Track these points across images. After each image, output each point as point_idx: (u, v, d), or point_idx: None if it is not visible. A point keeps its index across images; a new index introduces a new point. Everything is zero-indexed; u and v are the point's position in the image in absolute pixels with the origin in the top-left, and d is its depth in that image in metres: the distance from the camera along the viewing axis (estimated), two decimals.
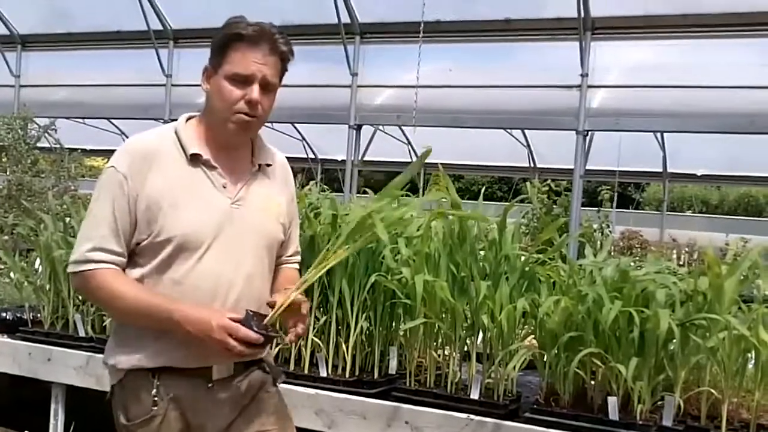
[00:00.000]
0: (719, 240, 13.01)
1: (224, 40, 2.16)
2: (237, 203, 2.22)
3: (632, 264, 3.31)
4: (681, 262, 12.46)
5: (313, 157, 15.32)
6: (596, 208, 9.68)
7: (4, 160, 8.50)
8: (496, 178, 25.92)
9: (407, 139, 12.84)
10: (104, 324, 4.02)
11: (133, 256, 2.18)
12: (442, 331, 3.33)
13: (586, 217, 9.30)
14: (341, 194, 9.84)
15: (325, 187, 4.19)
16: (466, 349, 3.34)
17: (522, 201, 6.51)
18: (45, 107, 10.80)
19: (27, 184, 7.94)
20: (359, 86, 10.10)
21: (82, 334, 4.03)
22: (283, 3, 10.07)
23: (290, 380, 3.35)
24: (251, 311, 2.10)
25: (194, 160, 2.19)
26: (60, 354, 3.95)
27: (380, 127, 11.52)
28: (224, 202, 2.20)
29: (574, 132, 9.01)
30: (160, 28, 10.96)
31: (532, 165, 14.20)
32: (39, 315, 4.27)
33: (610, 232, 8.94)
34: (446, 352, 3.36)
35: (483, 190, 3.83)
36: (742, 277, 3.00)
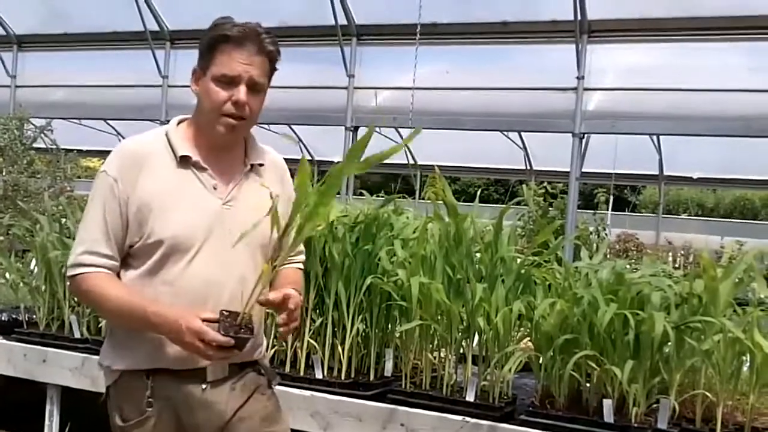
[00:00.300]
0: (715, 243, 13.04)
1: (210, 42, 2.16)
2: (228, 204, 2.21)
3: (628, 267, 3.31)
4: (676, 265, 12.48)
5: (309, 158, 15.33)
6: (592, 211, 9.71)
7: (0, 160, 8.49)
8: (492, 180, 25.94)
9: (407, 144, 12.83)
10: (99, 325, 4.01)
11: (127, 259, 2.19)
12: (438, 334, 3.33)
13: (582, 219, 9.31)
14: (338, 196, 9.83)
15: None
16: (461, 351, 3.34)
17: (518, 203, 6.51)
18: (41, 108, 10.78)
19: (23, 184, 7.93)
20: (356, 88, 10.11)
21: (77, 335, 4.02)
22: (280, 4, 10.08)
23: (286, 382, 3.35)
24: (226, 312, 2.06)
25: (184, 162, 2.19)
26: (55, 355, 3.95)
27: (376, 129, 11.51)
28: (215, 203, 2.19)
29: (570, 134, 9.02)
30: (157, 29, 10.96)
31: (528, 167, 14.21)
32: (34, 316, 4.26)
33: (606, 234, 8.95)
34: (442, 355, 3.37)
35: (479, 193, 3.84)
36: (737, 280, 3.01)
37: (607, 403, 2.91)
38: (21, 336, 4.15)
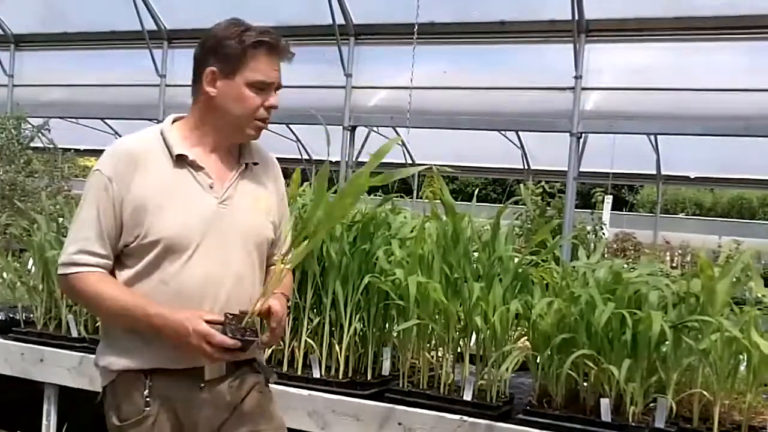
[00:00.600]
0: (712, 242, 13.07)
1: (242, 49, 2.15)
2: (224, 203, 2.22)
3: (625, 266, 3.32)
4: (674, 265, 12.50)
5: (307, 158, 15.32)
6: (590, 210, 9.70)
7: None
8: (490, 179, 25.95)
9: (401, 140, 12.84)
10: (97, 324, 4.01)
11: (121, 258, 2.18)
12: (436, 333, 3.34)
13: (580, 219, 9.31)
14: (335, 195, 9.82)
15: None
16: (459, 350, 3.34)
17: (516, 203, 6.51)
18: (38, 107, 10.76)
19: (20, 184, 7.93)
20: (353, 87, 10.10)
21: (74, 334, 4.02)
22: (277, 3, 10.07)
23: (283, 381, 3.35)
24: (230, 314, 2.09)
25: (180, 161, 2.19)
26: (52, 354, 3.94)
27: (374, 129, 11.52)
28: (211, 202, 2.20)
29: (568, 134, 9.02)
30: (155, 28, 10.94)
31: (526, 167, 14.21)
32: (32, 315, 4.26)
33: (603, 234, 8.95)
34: (439, 354, 3.37)
35: (477, 192, 3.84)
36: (734, 280, 3.01)
37: (605, 402, 2.91)
38: (18, 335, 4.15)
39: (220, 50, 2.17)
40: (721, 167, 13.75)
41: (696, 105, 9.07)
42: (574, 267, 3.34)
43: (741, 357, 2.95)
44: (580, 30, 8.76)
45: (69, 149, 9.81)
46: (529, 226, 8.18)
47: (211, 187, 2.21)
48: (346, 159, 10.27)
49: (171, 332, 2.07)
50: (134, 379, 2.17)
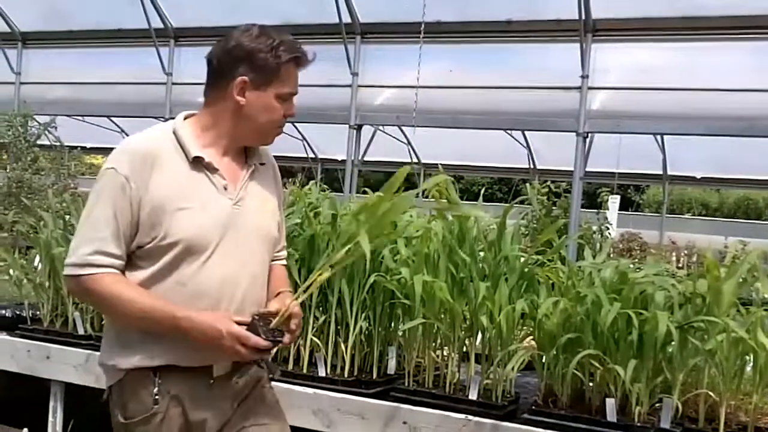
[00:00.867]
0: (718, 243, 13.03)
1: (277, 64, 2.19)
2: (238, 204, 2.24)
3: (631, 266, 3.31)
4: (680, 265, 12.48)
5: (313, 156, 15.33)
6: (596, 210, 9.69)
7: (4, 157, 8.52)
8: (495, 179, 25.92)
9: (407, 139, 12.85)
10: (103, 322, 4.01)
11: (133, 259, 2.17)
12: (441, 332, 3.34)
13: (586, 219, 9.30)
14: (341, 194, 9.85)
15: (325, 186, 4.19)
16: (464, 349, 3.34)
17: (522, 202, 6.50)
18: (45, 105, 10.82)
19: (27, 181, 7.96)
20: (360, 86, 10.11)
21: (81, 331, 4.03)
22: (284, 2, 10.08)
23: (289, 379, 3.36)
24: (257, 316, 2.13)
25: (196, 162, 2.19)
26: (59, 352, 3.95)
27: (380, 128, 11.52)
28: (226, 204, 2.21)
29: (574, 134, 9.01)
30: (161, 26, 10.96)
31: (531, 166, 14.21)
32: (38, 312, 4.27)
33: (609, 234, 8.94)
34: (445, 353, 3.37)
35: (483, 191, 3.84)
36: (740, 280, 3.01)
37: (610, 402, 2.91)
38: (25, 332, 4.16)
39: (254, 62, 2.18)
40: (727, 167, 13.72)
41: (703, 105, 9.05)
42: (580, 267, 3.33)
43: (747, 358, 2.95)
44: (587, 29, 8.75)
45: (75, 147, 9.84)
46: (535, 225, 8.18)
47: (225, 189, 2.22)
48: (352, 158, 10.27)
49: (200, 335, 2.08)
50: (143, 377, 2.17)
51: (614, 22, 8.86)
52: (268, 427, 2.33)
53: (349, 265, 3.36)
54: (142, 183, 2.11)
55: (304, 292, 2.24)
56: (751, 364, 2.95)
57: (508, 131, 12.10)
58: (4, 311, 4.39)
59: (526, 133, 12.83)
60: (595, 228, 8.85)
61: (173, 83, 11.19)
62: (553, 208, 8.79)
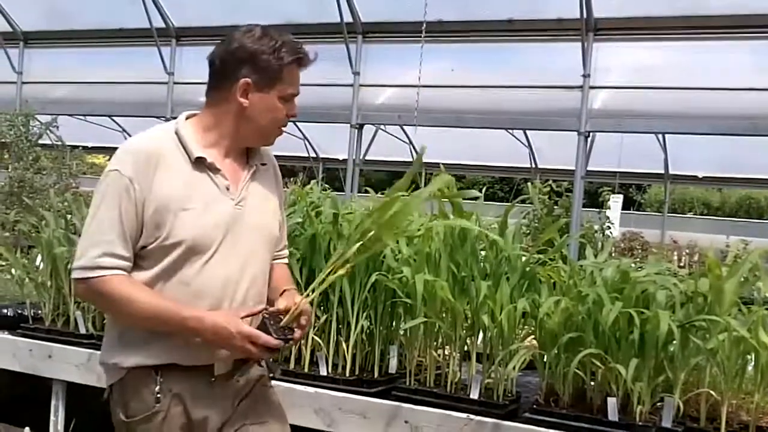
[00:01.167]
0: (720, 242, 13.01)
1: (279, 66, 2.20)
2: (240, 204, 2.25)
3: (633, 265, 3.31)
4: (682, 264, 12.46)
5: (314, 156, 15.33)
6: (597, 209, 9.68)
7: (6, 157, 8.52)
8: (497, 178, 25.91)
9: (409, 138, 12.85)
10: (104, 321, 4.01)
11: (136, 260, 2.18)
12: (443, 331, 3.34)
13: (587, 218, 9.30)
14: (342, 193, 9.86)
15: (326, 186, 4.20)
16: (466, 348, 3.34)
17: (523, 201, 6.50)
18: (47, 104, 10.82)
19: (28, 181, 7.96)
20: (361, 85, 10.11)
21: (83, 331, 4.03)
22: (286, 2, 10.08)
23: (290, 379, 3.36)
24: (266, 314, 2.16)
25: (198, 163, 2.20)
26: (61, 351, 3.96)
27: (382, 127, 11.52)
28: (229, 204, 2.22)
29: (575, 133, 9.01)
30: (163, 25, 10.97)
31: (533, 165, 14.20)
32: (40, 312, 4.27)
33: (610, 233, 8.94)
34: (446, 352, 3.37)
35: (484, 191, 3.83)
36: (742, 279, 3.00)
37: (612, 402, 2.91)
38: (26, 331, 4.16)
39: (257, 63, 2.19)
40: (729, 167, 13.72)
41: (704, 104, 9.05)
42: (581, 266, 3.33)
43: (749, 357, 2.95)
44: (588, 28, 8.75)
45: (77, 146, 9.83)
46: (537, 224, 8.18)
47: (227, 189, 2.23)
48: (354, 157, 10.27)
49: (209, 334, 2.10)
50: (144, 376, 2.18)
51: (616, 21, 8.87)
52: (269, 425, 2.34)
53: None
54: (145, 184, 2.12)
55: (314, 290, 2.26)
56: (753, 363, 2.94)
57: (510, 130, 12.09)
58: (6, 310, 4.39)
59: (527, 132, 12.82)
60: (596, 227, 8.85)
61: (175, 83, 11.20)
62: (555, 207, 8.79)
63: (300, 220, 3.57)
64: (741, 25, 8.45)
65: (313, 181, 4.29)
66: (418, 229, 3.37)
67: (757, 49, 8.89)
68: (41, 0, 12.16)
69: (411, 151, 13.43)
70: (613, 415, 2.89)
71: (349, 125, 10.16)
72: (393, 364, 3.47)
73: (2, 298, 4.64)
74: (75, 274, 2.15)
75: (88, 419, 3.81)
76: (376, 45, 10.23)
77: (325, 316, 3.47)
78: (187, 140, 2.21)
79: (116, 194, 2.12)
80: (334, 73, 10.00)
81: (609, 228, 8.90)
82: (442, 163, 3.34)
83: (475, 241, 3.24)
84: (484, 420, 3.04)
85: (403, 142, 12.86)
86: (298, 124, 13.12)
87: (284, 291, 2.34)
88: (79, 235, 2.27)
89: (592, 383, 3.08)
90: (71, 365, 3.91)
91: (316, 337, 3.48)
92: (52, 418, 3.99)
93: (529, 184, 9.51)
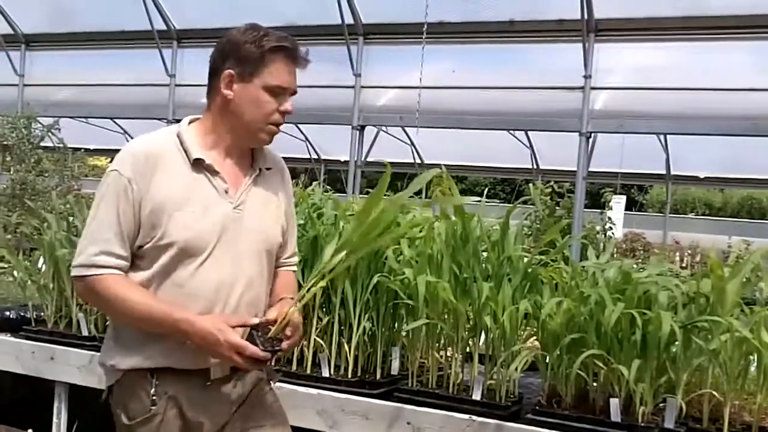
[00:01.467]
0: (722, 242, 13.01)
1: (260, 53, 2.17)
2: (238, 208, 2.24)
3: (635, 266, 3.31)
4: (684, 265, 12.46)
5: (316, 157, 15.34)
6: (599, 210, 9.67)
7: (8, 159, 8.53)
8: (498, 179, 25.94)
9: (410, 140, 12.85)
10: (107, 323, 4.01)
11: (134, 260, 2.19)
12: (445, 332, 3.33)
13: (589, 219, 9.29)
14: (344, 195, 9.86)
15: (327, 187, 4.19)
16: (468, 350, 3.34)
17: (525, 202, 6.50)
18: (48, 106, 10.83)
19: (30, 183, 7.97)
20: (362, 87, 10.11)
21: (85, 333, 4.04)
22: (287, 3, 10.09)
23: (292, 380, 3.36)
24: (255, 326, 2.13)
25: (197, 164, 2.20)
26: (63, 353, 3.96)
27: (383, 128, 11.53)
28: (226, 207, 2.22)
29: (577, 134, 9.01)
30: (164, 28, 10.98)
31: (535, 166, 14.21)
32: (42, 314, 4.28)
33: (612, 234, 8.93)
34: (448, 353, 3.37)
35: (486, 192, 3.84)
36: (744, 280, 3.00)
37: (614, 403, 2.90)
38: (29, 334, 4.16)
39: (239, 54, 2.18)
40: (730, 167, 13.72)
41: (706, 104, 9.04)
42: (583, 267, 3.33)
43: (751, 357, 2.94)
44: (590, 29, 8.75)
45: (79, 149, 9.87)
46: (539, 225, 8.17)
47: (226, 192, 2.23)
48: (355, 159, 10.28)
49: (198, 339, 2.09)
50: (140, 378, 2.19)
51: (617, 22, 8.87)
52: (268, 430, 2.34)
53: (353, 267, 3.37)
54: (143, 184, 2.13)
55: (299, 301, 2.23)
56: (755, 363, 2.94)
57: (511, 131, 12.10)
58: (8, 313, 4.39)
59: (529, 133, 12.83)
60: (598, 228, 8.84)
61: (176, 85, 11.22)
62: (557, 208, 8.77)
63: (302, 222, 3.57)
64: (743, 26, 8.45)
65: (314, 183, 4.29)
66: (420, 230, 3.37)
67: (759, 50, 8.89)
68: (43, 2, 12.18)
69: (413, 153, 13.44)
70: (615, 416, 2.89)
71: (350, 127, 10.17)
72: (395, 366, 3.47)
73: (5, 301, 4.64)
74: (73, 272, 2.18)
75: (90, 421, 3.81)
76: (377, 46, 10.23)
77: (327, 318, 3.47)
78: (188, 142, 2.21)
79: (115, 194, 2.14)
80: (336, 74, 10.02)
81: (611, 229, 8.89)
82: (444, 164, 3.34)
83: (477, 242, 3.24)
84: (487, 421, 3.03)
85: (405, 143, 12.87)
86: (299, 125, 13.13)
87: (280, 300, 2.33)
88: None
89: (595, 384, 3.07)
90: (73, 367, 3.91)
91: (318, 339, 3.48)
92: (54, 420, 3.99)
93: (530, 185, 9.51)
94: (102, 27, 11.56)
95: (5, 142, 8.45)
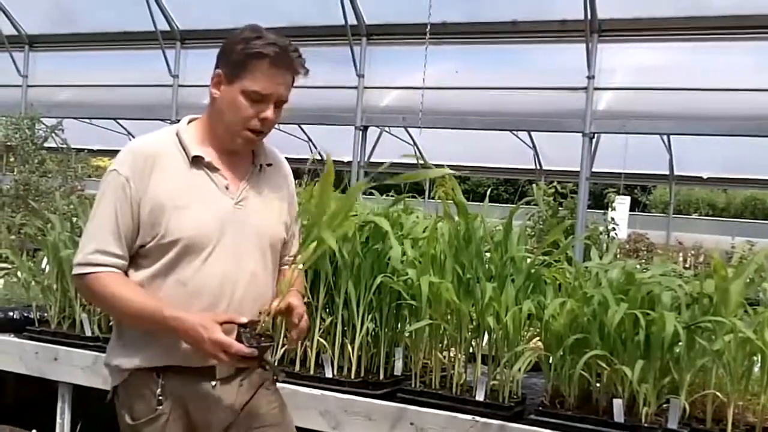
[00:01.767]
0: (725, 243, 12.99)
1: (245, 57, 2.14)
2: (240, 204, 2.24)
3: (638, 266, 3.31)
4: (687, 265, 12.44)
5: (319, 158, 15.34)
6: (602, 211, 9.65)
7: (11, 160, 8.55)
8: (501, 179, 25.91)
9: (413, 140, 12.85)
10: (110, 324, 4.01)
11: (136, 259, 2.19)
12: (448, 333, 3.34)
13: (592, 219, 9.28)
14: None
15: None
16: (471, 350, 3.34)
17: (528, 203, 6.49)
18: (52, 107, 10.84)
19: (34, 184, 7.98)
20: (366, 87, 10.11)
21: (88, 333, 4.04)
22: (290, 4, 10.09)
23: (296, 381, 3.36)
24: (243, 323, 2.11)
25: (196, 162, 2.20)
26: (66, 353, 3.97)
27: (386, 129, 11.52)
28: (227, 203, 2.22)
29: (580, 134, 9.00)
30: (168, 28, 10.98)
31: (538, 167, 14.19)
32: (46, 314, 4.28)
33: (616, 234, 8.92)
34: (451, 354, 3.37)
35: (489, 192, 3.84)
36: (748, 280, 3.00)
37: (618, 403, 2.90)
38: (32, 334, 4.17)
39: (230, 55, 2.18)
40: (734, 167, 13.70)
41: (709, 105, 9.03)
42: (586, 267, 3.33)
43: (755, 358, 2.94)
44: (593, 30, 8.74)
45: (82, 149, 9.88)
46: (542, 226, 8.15)
47: (227, 188, 2.23)
48: (358, 159, 10.28)
49: (186, 336, 2.09)
50: (146, 378, 2.19)
51: (620, 23, 8.86)
52: (272, 430, 2.34)
53: (356, 267, 3.37)
54: (142, 183, 2.13)
55: (276, 305, 2.21)
56: (759, 364, 2.93)
57: (514, 132, 12.09)
58: (12, 313, 4.40)
59: (532, 133, 12.82)
60: (602, 229, 8.82)
61: (179, 85, 11.21)
62: (560, 208, 8.76)
63: (305, 222, 3.57)
64: (746, 26, 8.44)
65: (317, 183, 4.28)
66: (423, 231, 3.38)
67: (762, 50, 8.88)
68: (46, 3, 12.19)
69: (416, 153, 13.43)
70: (618, 416, 2.89)
71: (353, 127, 10.16)
72: (398, 366, 3.47)
73: (8, 301, 4.65)
74: (73, 270, 2.20)
75: (94, 422, 3.82)
76: (380, 47, 10.23)
77: (330, 319, 3.47)
78: (186, 141, 2.22)
79: (113, 193, 2.15)
80: (339, 75, 10.02)
81: (614, 229, 8.88)
82: (447, 165, 3.34)
83: (480, 242, 3.24)
84: (490, 422, 3.04)
85: (408, 144, 12.86)
86: (302, 126, 13.13)
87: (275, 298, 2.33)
88: None
89: (598, 385, 3.07)
90: (77, 368, 3.92)
91: (321, 339, 3.48)
92: (58, 420, 3.99)
93: (533, 185, 9.50)
94: (105, 28, 11.57)
95: (9, 143, 8.47)
